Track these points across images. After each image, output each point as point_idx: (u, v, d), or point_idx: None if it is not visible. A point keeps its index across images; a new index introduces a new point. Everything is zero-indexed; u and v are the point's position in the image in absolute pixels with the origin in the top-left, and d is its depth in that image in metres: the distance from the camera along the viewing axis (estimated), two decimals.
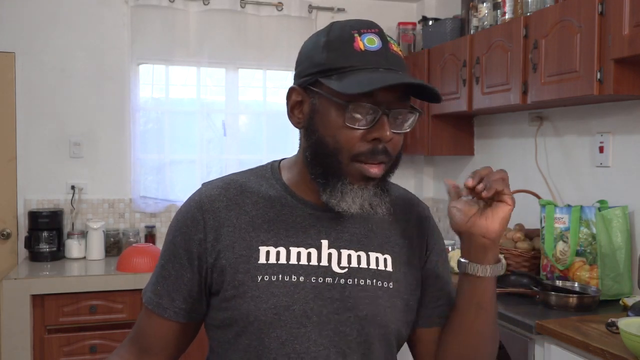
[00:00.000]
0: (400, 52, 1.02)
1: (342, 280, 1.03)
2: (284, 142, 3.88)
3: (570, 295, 2.25)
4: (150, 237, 3.60)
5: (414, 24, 3.81)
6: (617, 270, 2.35)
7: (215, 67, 3.74)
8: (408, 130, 1.02)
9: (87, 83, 3.55)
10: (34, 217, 3.31)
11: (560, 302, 2.23)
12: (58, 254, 3.35)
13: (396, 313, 1.06)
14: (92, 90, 3.56)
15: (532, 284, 2.46)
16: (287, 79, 3.88)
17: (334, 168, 0.99)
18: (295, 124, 1.04)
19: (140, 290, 3.03)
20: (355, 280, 1.03)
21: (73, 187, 3.51)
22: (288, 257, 1.02)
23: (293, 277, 1.01)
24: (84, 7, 3.53)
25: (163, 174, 3.68)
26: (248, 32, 3.76)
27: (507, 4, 2.76)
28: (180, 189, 3.72)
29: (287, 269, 1.01)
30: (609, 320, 1.97)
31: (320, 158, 1.00)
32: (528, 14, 2.60)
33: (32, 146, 3.48)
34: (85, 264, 3.29)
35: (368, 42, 0.98)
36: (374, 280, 1.05)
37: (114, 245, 3.51)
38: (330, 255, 1.04)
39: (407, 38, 3.78)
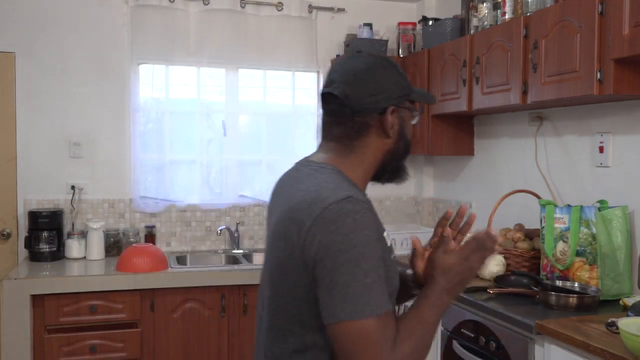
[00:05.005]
0: None
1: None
2: (284, 142, 3.88)
3: (570, 295, 2.25)
4: (150, 237, 3.60)
5: (414, 24, 3.81)
6: (617, 270, 2.35)
7: (215, 67, 3.74)
8: None
9: (87, 83, 3.56)
10: (34, 217, 3.31)
11: (560, 302, 2.23)
12: (58, 254, 3.35)
13: None
14: (92, 90, 3.56)
15: (532, 284, 2.46)
16: (287, 79, 3.89)
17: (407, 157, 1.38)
18: (387, 135, 1.30)
19: (140, 290, 3.03)
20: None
21: (73, 187, 3.52)
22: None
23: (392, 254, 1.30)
24: (84, 7, 3.54)
25: (163, 174, 3.68)
26: (248, 32, 3.76)
27: (507, 4, 2.75)
28: (180, 189, 3.73)
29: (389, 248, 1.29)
30: (609, 320, 1.97)
31: (407, 153, 1.36)
32: (528, 14, 2.60)
33: (32, 146, 3.48)
34: (85, 264, 3.29)
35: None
36: None
37: (114, 245, 3.51)
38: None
39: (407, 38, 3.78)
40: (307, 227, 1.14)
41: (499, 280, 2.57)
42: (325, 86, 1.31)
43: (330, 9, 3.93)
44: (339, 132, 1.29)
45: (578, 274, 2.41)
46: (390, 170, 1.35)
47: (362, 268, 1.11)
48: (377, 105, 1.27)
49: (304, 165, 1.31)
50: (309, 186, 1.21)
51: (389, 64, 1.31)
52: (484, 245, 1.23)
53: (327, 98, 1.29)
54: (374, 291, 1.12)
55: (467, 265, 1.23)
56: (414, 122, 1.35)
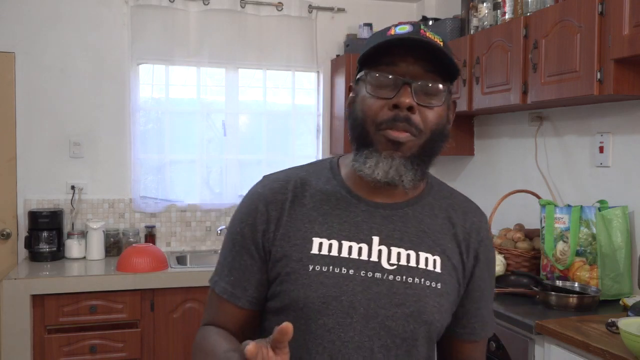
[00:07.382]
0: (434, 38, 1.04)
1: (391, 277, 1.06)
2: (284, 142, 3.89)
3: (570, 295, 2.25)
4: (150, 237, 3.60)
5: None
6: (617, 270, 2.36)
7: (215, 67, 3.74)
8: (438, 105, 1.05)
9: (87, 83, 3.55)
10: (34, 217, 3.31)
11: (560, 302, 2.23)
12: (58, 254, 3.35)
13: (442, 312, 1.09)
14: (92, 90, 3.56)
15: (532, 284, 2.46)
16: (287, 78, 3.89)
17: (363, 137, 1.06)
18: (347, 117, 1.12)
19: (140, 290, 3.04)
20: (404, 277, 1.06)
21: (73, 187, 3.51)
22: (340, 250, 1.06)
23: (343, 269, 1.05)
24: (84, 7, 3.53)
25: (163, 174, 3.68)
26: (248, 32, 3.76)
27: (507, 4, 2.75)
28: (180, 189, 3.73)
29: (338, 261, 1.05)
30: (609, 320, 1.97)
31: (354, 131, 1.09)
32: (528, 14, 2.60)
33: (32, 146, 3.48)
34: (85, 264, 3.29)
35: (399, 29, 1.05)
36: (422, 280, 1.07)
37: (114, 245, 3.51)
38: (380, 251, 1.07)
39: None
40: None
41: (498, 280, 2.56)
42: None
43: (330, 9, 3.93)
44: None
45: (578, 274, 2.41)
46: (354, 154, 1.14)
47: (224, 242, 1.17)
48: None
49: None
50: None
51: None
52: None
53: None
54: (218, 265, 1.18)
55: None
56: (371, 91, 1.08)
